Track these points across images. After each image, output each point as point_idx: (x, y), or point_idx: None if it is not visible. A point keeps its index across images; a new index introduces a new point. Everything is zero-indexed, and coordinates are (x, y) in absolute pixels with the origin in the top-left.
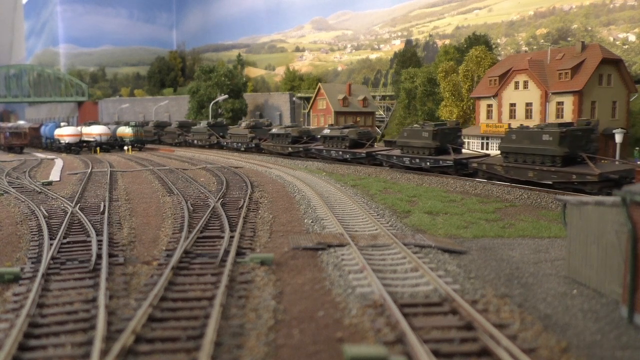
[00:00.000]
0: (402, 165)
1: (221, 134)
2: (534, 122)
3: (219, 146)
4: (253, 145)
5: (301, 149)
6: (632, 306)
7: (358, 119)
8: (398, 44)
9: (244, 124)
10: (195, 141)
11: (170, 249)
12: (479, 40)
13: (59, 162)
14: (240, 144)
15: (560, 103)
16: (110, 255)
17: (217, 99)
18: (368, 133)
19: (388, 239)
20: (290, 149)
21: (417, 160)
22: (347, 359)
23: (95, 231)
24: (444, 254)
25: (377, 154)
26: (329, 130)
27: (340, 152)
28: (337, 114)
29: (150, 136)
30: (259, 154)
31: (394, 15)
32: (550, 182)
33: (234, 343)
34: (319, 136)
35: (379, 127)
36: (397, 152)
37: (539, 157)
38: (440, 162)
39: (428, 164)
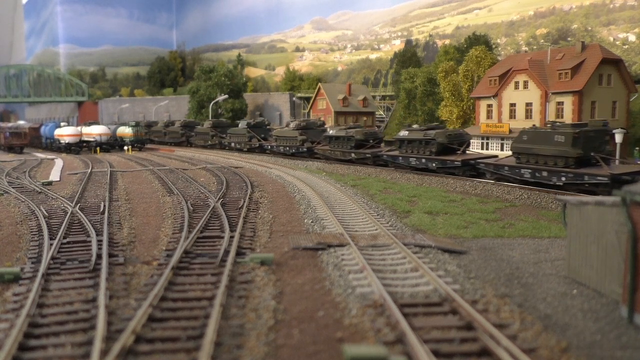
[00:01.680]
0: (519, 179)
1: (262, 135)
2: (534, 122)
3: (261, 150)
4: (305, 149)
5: (368, 155)
6: (632, 306)
7: (365, 118)
8: (398, 44)
9: (292, 124)
10: (233, 144)
11: (170, 249)
12: (479, 40)
13: (59, 162)
14: (288, 148)
15: (560, 103)
16: (110, 255)
17: (217, 99)
18: (461, 135)
19: (388, 239)
20: (353, 154)
21: (545, 174)
22: (347, 359)
23: (95, 231)
24: (444, 254)
25: (480, 162)
26: (406, 132)
27: (424, 160)
28: (337, 114)
29: (177, 137)
30: (259, 154)
31: (394, 15)
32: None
33: (234, 343)
34: (394, 139)
35: (378, 127)
36: (510, 161)
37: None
38: (586, 177)
39: (563, 179)
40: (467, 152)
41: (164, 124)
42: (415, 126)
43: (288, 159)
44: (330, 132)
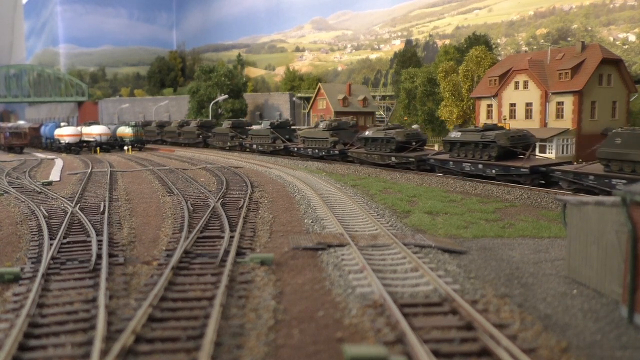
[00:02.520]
0: (609, 191)
1: (287, 136)
2: (534, 122)
3: (287, 152)
4: (336, 152)
5: (412, 159)
6: (632, 306)
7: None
8: (398, 44)
9: (322, 124)
10: (255, 146)
11: (170, 249)
12: (479, 40)
13: (59, 162)
14: (317, 150)
15: (560, 103)
16: (110, 255)
17: (217, 99)
18: (526, 137)
19: (388, 239)
20: (394, 158)
21: None
22: (347, 359)
23: (95, 231)
24: (444, 254)
25: (554, 169)
26: (458, 134)
27: (481, 166)
28: (337, 114)
29: (193, 138)
30: (258, 154)
31: (394, 15)
32: None
33: (234, 343)
34: (446, 139)
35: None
36: (596, 169)
37: None
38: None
39: None
40: (534, 156)
41: (178, 124)
42: (471, 127)
43: (289, 159)
44: (367, 132)
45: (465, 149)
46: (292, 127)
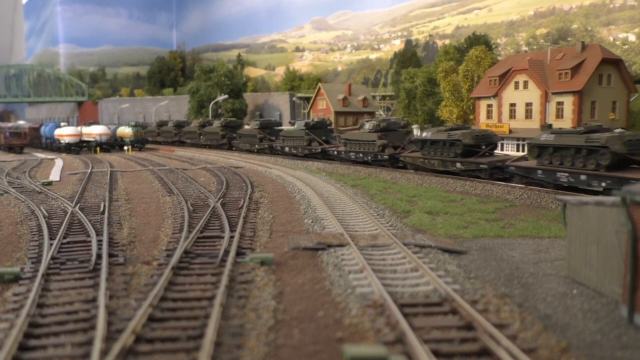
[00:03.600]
0: None
1: (324, 138)
2: (534, 122)
3: (325, 156)
4: (386, 157)
5: (484, 165)
6: (632, 306)
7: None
8: (398, 44)
9: (368, 124)
10: (287, 148)
11: (170, 249)
12: (479, 40)
13: (59, 162)
14: (362, 155)
15: (560, 103)
16: (110, 255)
17: (217, 99)
18: (489, 136)
19: (388, 239)
20: (459, 164)
21: None
22: (347, 359)
23: (95, 231)
24: (444, 254)
25: None
26: (551, 136)
27: (584, 178)
28: (337, 114)
29: (217, 140)
30: (258, 154)
31: (394, 15)
32: None
33: (234, 343)
34: (536, 142)
35: (281, 125)
36: None
37: None
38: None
39: None
40: (493, 154)
41: (200, 124)
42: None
43: (288, 159)
44: (424, 134)
45: (561, 155)
46: (330, 127)
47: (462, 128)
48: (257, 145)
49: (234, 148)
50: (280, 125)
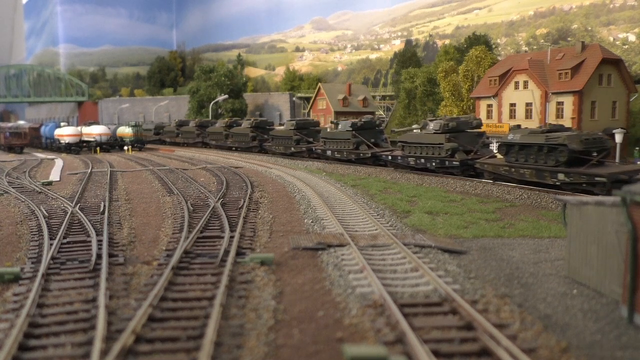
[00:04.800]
0: None
1: (372, 140)
2: (534, 122)
3: (376, 161)
4: (455, 163)
5: (602, 178)
6: (632, 306)
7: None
8: (398, 44)
9: (433, 125)
10: (330, 152)
11: (170, 249)
12: (479, 40)
13: (59, 162)
14: (425, 161)
15: (560, 103)
16: (110, 255)
17: (217, 99)
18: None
19: (388, 239)
20: (562, 176)
21: None
22: (347, 359)
23: (95, 231)
24: (444, 254)
25: None
26: (516, 136)
27: None
28: (337, 114)
29: (246, 142)
30: (258, 154)
31: (394, 15)
32: None
33: (234, 343)
34: None
35: (318, 125)
36: None
37: None
38: None
39: None
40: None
41: (226, 124)
42: None
43: (288, 159)
44: (510, 136)
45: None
46: (381, 127)
47: (562, 129)
48: (292, 148)
49: (266, 152)
50: (318, 125)
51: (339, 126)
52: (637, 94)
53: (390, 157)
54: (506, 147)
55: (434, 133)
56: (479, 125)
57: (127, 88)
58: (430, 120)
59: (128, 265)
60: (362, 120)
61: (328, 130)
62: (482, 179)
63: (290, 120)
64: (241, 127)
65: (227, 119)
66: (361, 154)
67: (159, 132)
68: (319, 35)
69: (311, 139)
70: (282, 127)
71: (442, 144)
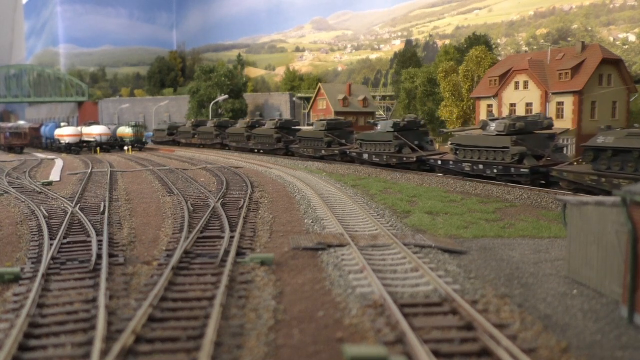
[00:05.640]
0: None
1: (416, 142)
2: None
3: (420, 166)
4: (524, 171)
5: None
6: (632, 306)
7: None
8: (398, 44)
9: (496, 125)
10: (367, 155)
11: (170, 249)
12: (479, 40)
13: (59, 162)
14: (482, 166)
15: (560, 103)
16: (110, 255)
17: (217, 99)
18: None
19: (388, 239)
20: None
21: None
22: (347, 359)
23: (95, 231)
24: (444, 254)
25: None
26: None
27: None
28: (337, 114)
29: (270, 143)
30: (258, 154)
31: (394, 15)
32: None
33: (234, 343)
34: None
35: (352, 126)
36: None
37: None
38: None
39: None
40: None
41: (246, 124)
42: None
43: (289, 159)
44: (599, 139)
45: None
46: (425, 128)
47: None
48: (323, 151)
49: (292, 154)
50: (352, 125)
51: (378, 126)
52: (637, 94)
53: (439, 162)
54: (594, 152)
55: (497, 135)
56: (550, 125)
57: (127, 88)
58: (491, 120)
59: (128, 265)
60: (405, 119)
61: (366, 132)
62: (555, 188)
63: (321, 120)
64: (264, 128)
65: (248, 119)
66: (404, 158)
67: (173, 133)
68: (319, 35)
69: (343, 140)
70: (310, 128)
71: (507, 147)
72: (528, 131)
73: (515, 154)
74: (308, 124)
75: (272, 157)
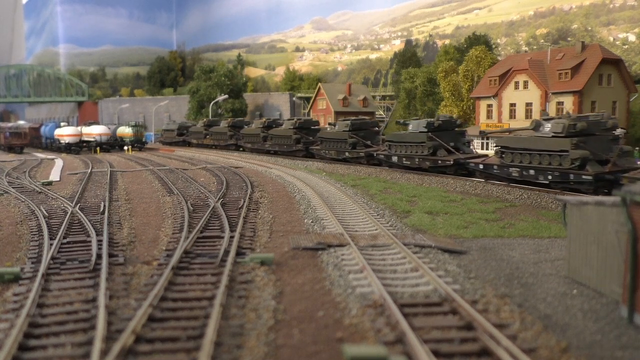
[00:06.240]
0: None
1: (452, 144)
2: None
3: (457, 171)
4: (588, 178)
5: None
6: (632, 306)
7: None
8: (398, 44)
9: (552, 125)
10: (396, 158)
11: (170, 249)
12: (479, 40)
13: (59, 162)
14: (533, 172)
15: (560, 103)
16: (110, 255)
17: (217, 99)
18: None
19: (388, 239)
20: None
21: None
22: (347, 359)
23: (95, 231)
24: (444, 254)
25: None
26: None
27: None
28: (337, 114)
29: (289, 145)
30: (258, 154)
31: (394, 15)
32: None
33: (234, 343)
34: None
35: (378, 127)
36: None
37: None
38: None
39: None
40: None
41: (263, 124)
42: None
43: (288, 159)
44: None
45: None
46: (461, 128)
47: None
48: (347, 153)
49: (312, 156)
50: (377, 126)
51: (410, 126)
52: (637, 94)
53: (481, 166)
54: None
55: (553, 136)
56: (615, 126)
57: (127, 88)
58: (545, 120)
59: (128, 265)
60: (440, 118)
61: (396, 132)
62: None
63: (344, 120)
64: (282, 128)
65: (264, 118)
66: (439, 161)
67: (183, 133)
68: (319, 35)
69: (368, 142)
70: (334, 128)
71: (566, 151)
72: (590, 133)
73: (575, 159)
74: (329, 124)
75: (272, 157)
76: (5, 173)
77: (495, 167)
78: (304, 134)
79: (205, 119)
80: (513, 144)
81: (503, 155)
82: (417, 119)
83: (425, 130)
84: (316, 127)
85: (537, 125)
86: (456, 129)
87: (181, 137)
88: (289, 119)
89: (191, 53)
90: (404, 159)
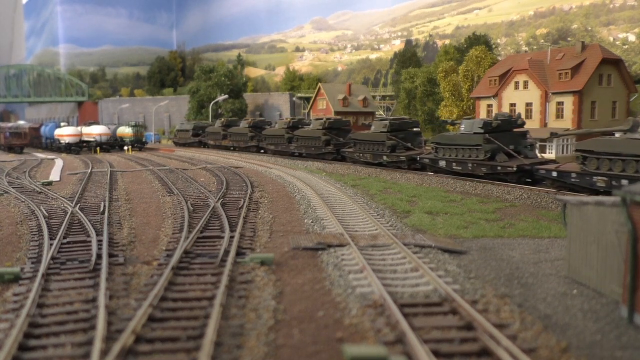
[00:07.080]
0: None
1: (512, 147)
2: (534, 122)
3: (520, 178)
4: None
5: None
6: (632, 306)
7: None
8: (398, 44)
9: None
10: (444, 163)
11: (170, 249)
12: (479, 40)
13: (59, 162)
14: (629, 183)
15: (560, 103)
16: (110, 255)
17: (217, 99)
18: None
19: (388, 239)
20: None
21: None
22: (347, 359)
23: (95, 231)
24: (444, 254)
25: None
26: None
27: None
28: (337, 114)
29: (318, 147)
30: (258, 154)
31: (394, 15)
32: None
33: (234, 343)
34: None
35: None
36: None
37: None
38: None
39: None
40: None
41: (287, 125)
42: None
43: (289, 159)
44: None
45: None
46: (523, 129)
47: None
48: (385, 157)
49: (343, 159)
50: (418, 126)
51: (462, 127)
52: (637, 94)
53: (554, 174)
54: None
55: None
56: None
57: (127, 88)
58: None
59: (128, 265)
60: (498, 118)
61: (444, 134)
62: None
63: (381, 120)
64: (309, 129)
65: (288, 119)
66: (498, 167)
67: (199, 134)
68: (319, 35)
69: (409, 144)
70: (368, 131)
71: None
72: None
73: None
74: (363, 124)
75: (272, 157)
76: (5, 173)
77: (573, 175)
78: (334, 134)
79: (223, 119)
80: (599, 148)
81: (585, 162)
82: (469, 118)
83: (482, 131)
84: (347, 127)
85: (634, 125)
86: (515, 130)
87: (196, 137)
88: (317, 119)
89: (191, 53)
90: (454, 163)
